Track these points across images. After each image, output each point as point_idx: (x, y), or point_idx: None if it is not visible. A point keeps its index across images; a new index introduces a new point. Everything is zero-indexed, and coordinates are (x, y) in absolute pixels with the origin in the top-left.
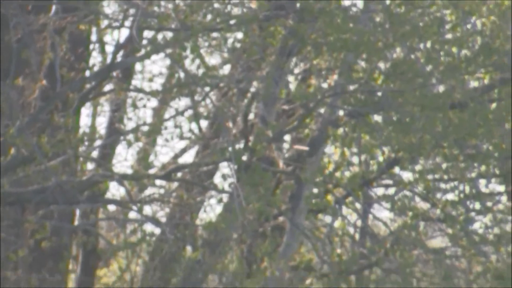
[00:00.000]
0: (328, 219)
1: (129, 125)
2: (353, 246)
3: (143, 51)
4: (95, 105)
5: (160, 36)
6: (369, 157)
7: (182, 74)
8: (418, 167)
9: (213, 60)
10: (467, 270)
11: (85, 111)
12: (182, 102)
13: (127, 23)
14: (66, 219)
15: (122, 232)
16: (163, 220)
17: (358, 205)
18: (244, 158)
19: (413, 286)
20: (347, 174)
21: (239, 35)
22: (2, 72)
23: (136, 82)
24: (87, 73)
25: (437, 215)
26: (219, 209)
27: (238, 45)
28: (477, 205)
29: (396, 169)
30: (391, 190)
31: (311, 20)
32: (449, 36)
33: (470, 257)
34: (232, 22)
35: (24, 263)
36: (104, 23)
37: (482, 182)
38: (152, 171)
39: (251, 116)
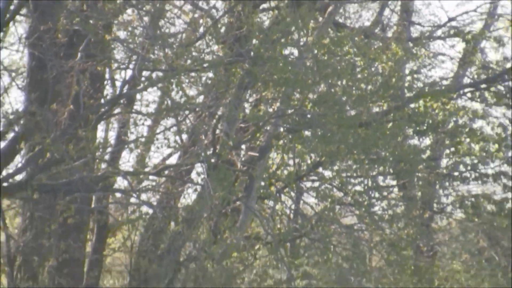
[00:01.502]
0: (271, 203)
1: (131, 137)
2: (288, 223)
3: (142, 85)
4: (108, 123)
5: (154, 75)
6: (300, 160)
7: (169, 102)
8: (335, 168)
9: (191, 92)
10: (369, 240)
11: (100, 127)
12: (169, 121)
13: (131, 65)
14: (86, 203)
15: (125, 212)
16: (155, 203)
17: (292, 194)
18: (213, 160)
19: (331, 251)
20: (285, 172)
21: (210, 74)
22: (42, 100)
23: (136, 107)
24: (102, 101)
25: (348, 201)
26: (194, 196)
27: (209, 81)
28: (377, 194)
29: (320, 169)
30: (316, 184)
31: (261, 64)
32: (359, 76)
33: (371, 231)
34: (205, 65)
35: (55, 234)
36: (114, 65)
37: (380, 178)
38: (147, 169)
39: (218, 131)
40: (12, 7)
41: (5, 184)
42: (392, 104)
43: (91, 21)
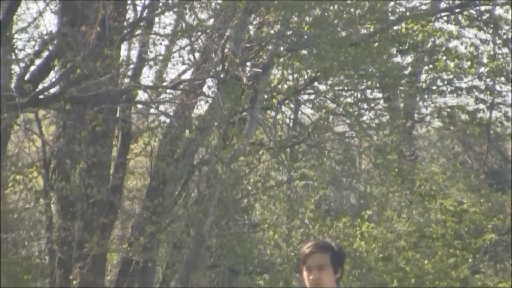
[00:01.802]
0: (273, 113)
1: (151, 55)
2: (288, 130)
3: (159, 10)
4: (130, 43)
5: (170, 0)
6: (298, 76)
7: (183, 24)
8: (329, 82)
9: (202, 15)
10: (358, 146)
11: (123, 47)
12: (184, 41)
13: None
14: (111, 113)
15: (146, 121)
16: (171, 113)
17: (291, 105)
18: (222, 76)
19: (325, 156)
20: (285, 86)
21: (219, 0)
22: (72, 23)
23: (155, 29)
24: (125, 23)
25: (340, 112)
26: (205, 107)
27: (218, 6)
28: (365, 105)
29: (316, 83)
30: (312, 96)
31: None
32: (349, 1)
33: (360, 138)
34: None
35: (85, 141)
36: None
37: (368, 91)
38: (164, 84)
39: (226, 50)
40: None
41: (41, 96)
42: (378, 26)
43: None
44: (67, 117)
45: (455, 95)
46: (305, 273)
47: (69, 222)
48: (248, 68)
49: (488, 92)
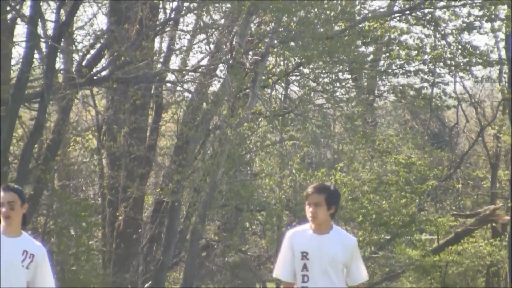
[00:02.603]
0: (269, 90)
1: (177, 46)
2: (280, 103)
3: (183, 12)
4: (161, 37)
5: (191, 5)
6: (288, 62)
7: (202, 23)
8: (311, 67)
9: (216, 16)
10: (333, 115)
11: (157, 40)
12: (202, 36)
13: None
14: (148, 90)
15: (173, 96)
16: (193, 90)
17: (283, 84)
18: (230, 62)
19: (308, 122)
20: (278, 70)
21: (228, 4)
22: (118, 22)
23: (180, 26)
24: (157, 22)
25: (319, 89)
26: (218, 85)
27: (227, 9)
28: (338, 84)
29: (301, 68)
30: (298, 77)
31: None
32: (326, 6)
33: (334, 108)
34: None
35: (128, 111)
36: None
37: (340, 74)
38: (187, 68)
39: (234, 43)
40: None
41: (95, 78)
42: (347, 24)
43: None
44: (114, 93)
45: (405, 76)
46: (307, 207)
47: (116, 172)
48: (250, 56)
49: (430, 74)
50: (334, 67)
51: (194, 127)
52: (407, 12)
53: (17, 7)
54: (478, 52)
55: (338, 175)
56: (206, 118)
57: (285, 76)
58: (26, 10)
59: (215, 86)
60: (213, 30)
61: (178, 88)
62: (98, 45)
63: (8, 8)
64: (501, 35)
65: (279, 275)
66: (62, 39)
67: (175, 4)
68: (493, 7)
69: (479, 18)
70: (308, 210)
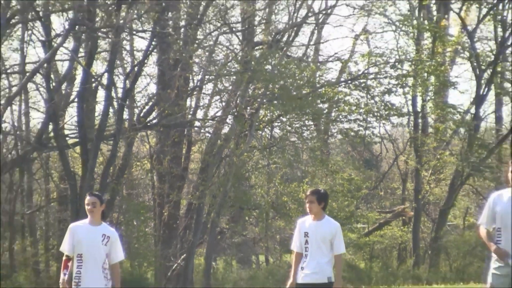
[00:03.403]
0: (260, 132)
1: (201, 103)
2: (268, 140)
3: (205, 81)
4: (191, 98)
5: (210, 76)
6: (272, 113)
7: (217, 88)
8: (288, 117)
9: (226, 84)
10: (301, 148)
11: (188, 100)
12: (217, 97)
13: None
14: (182, 132)
15: (199, 135)
16: (212, 132)
17: (269, 128)
18: (236, 114)
19: (286, 152)
20: (266, 119)
21: (234, 77)
22: (163, 88)
23: (204, 90)
24: (189, 88)
25: (293, 131)
26: (227, 128)
27: (233, 79)
28: (305, 128)
29: (281, 117)
30: (280, 124)
31: (256, 71)
32: (296, 77)
33: (303, 143)
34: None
35: (169, 145)
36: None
37: (306, 121)
38: (208, 117)
39: (237, 101)
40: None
41: (148, 124)
42: (311, 89)
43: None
44: (161, 134)
45: (348, 123)
46: (307, 204)
47: (162, 185)
48: (248, 110)
49: (364, 122)
50: (303, 117)
51: (212, 156)
52: (349, 81)
53: (99, 79)
54: (394, 107)
55: (305, 187)
56: (220, 150)
57: (270, 123)
58: (104, 80)
59: (225, 129)
60: (224, 93)
61: (202, 130)
62: (150, 103)
63: (93, 79)
64: (409, 97)
65: (294, 248)
66: (127, 99)
67: (200, 76)
68: (404, 79)
69: (395, 86)
70: (306, 206)
